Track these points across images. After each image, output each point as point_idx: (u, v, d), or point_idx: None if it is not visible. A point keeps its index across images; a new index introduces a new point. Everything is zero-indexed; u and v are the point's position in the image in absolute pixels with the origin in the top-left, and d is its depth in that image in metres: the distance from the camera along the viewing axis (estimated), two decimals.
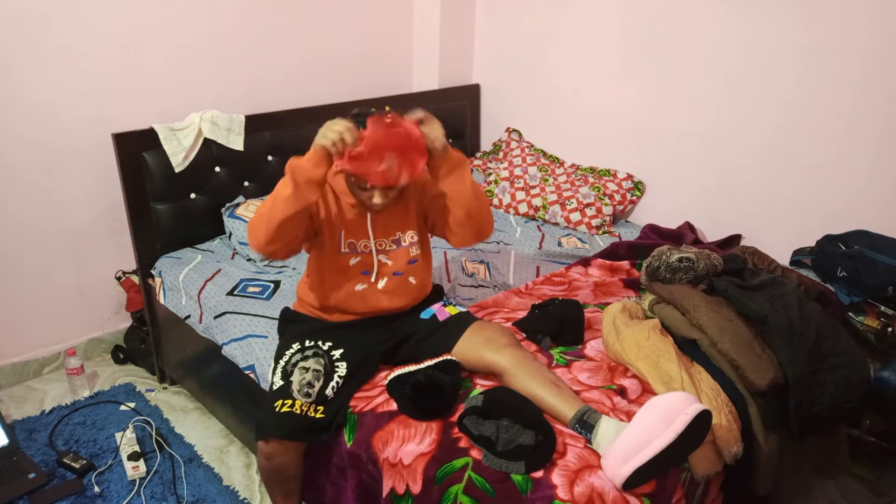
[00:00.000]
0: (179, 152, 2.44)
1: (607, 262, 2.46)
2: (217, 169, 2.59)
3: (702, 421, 1.42)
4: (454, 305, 1.93)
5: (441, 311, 1.88)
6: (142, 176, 2.39)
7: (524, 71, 3.26)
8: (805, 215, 2.50)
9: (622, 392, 1.68)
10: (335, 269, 1.78)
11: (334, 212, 1.75)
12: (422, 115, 1.59)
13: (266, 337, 2.01)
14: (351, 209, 1.76)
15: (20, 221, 2.46)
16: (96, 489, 2.08)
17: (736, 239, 2.62)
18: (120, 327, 2.84)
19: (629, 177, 2.96)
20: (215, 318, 2.16)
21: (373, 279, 1.78)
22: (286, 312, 1.94)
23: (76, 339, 2.75)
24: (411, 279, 1.85)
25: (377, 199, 1.63)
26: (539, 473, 1.43)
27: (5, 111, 2.31)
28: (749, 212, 2.64)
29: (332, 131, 1.50)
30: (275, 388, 1.70)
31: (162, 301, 2.44)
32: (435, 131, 1.59)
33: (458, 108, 3.41)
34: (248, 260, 2.47)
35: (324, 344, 1.76)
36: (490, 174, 3.21)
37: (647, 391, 1.69)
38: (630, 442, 1.39)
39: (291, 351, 1.75)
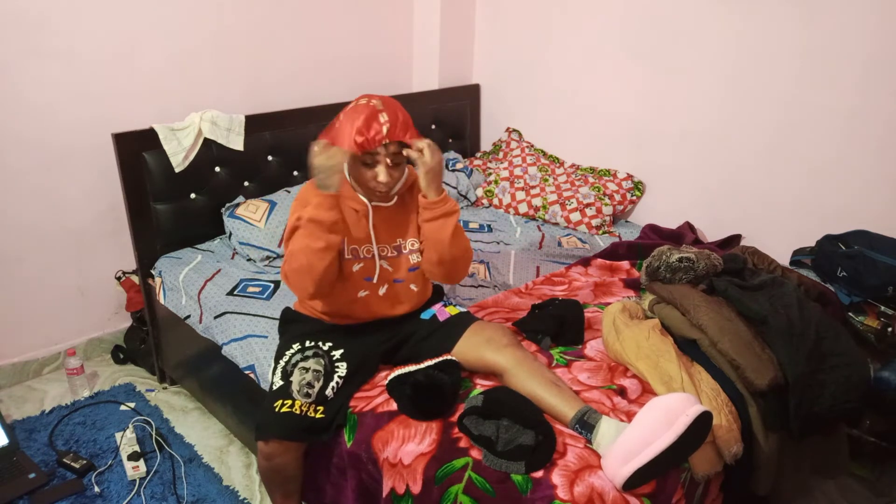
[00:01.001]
0: (179, 152, 2.44)
1: (607, 262, 2.46)
2: (217, 169, 2.59)
3: (702, 422, 1.42)
4: (454, 305, 1.92)
5: (441, 311, 1.88)
6: (142, 176, 2.39)
7: (524, 71, 3.26)
8: (805, 215, 2.50)
9: (622, 392, 1.68)
10: (339, 275, 1.77)
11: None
12: (428, 143, 1.63)
13: (266, 337, 2.01)
14: (353, 213, 1.75)
15: (20, 221, 2.46)
16: (96, 489, 2.08)
17: (736, 239, 2.62)
18: (120, 327, 2.84)
19: (629, 177, 2.96)
20: (215, 318, 2.16)
21: (374, 281, 1.78)
22: (287, 312, 1.94)
23: (76, 339, 2.74)
24: (412, 286, 1.85)
25: (383, 177, 1.63)
26: (539, 473, 1.43)
27: (5, 111, 2.31)
28: (749, 212, 2.64)
29: (321, 168, 1.56)
30: (275, 388, 1.70)
31: (162, 301, 2.44)
32: (437, 159, 1.63)
33: (458, 108, 3.41)
34: (248, 260, 2.47)
35: (324, 344, 1.76)
36: (490, 174, 3.21)
37: (647, 391, 1.69)
38: (631, 443, 1.39)
39: (291, 351, 1.75)
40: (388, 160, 1.63)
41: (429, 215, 1.68)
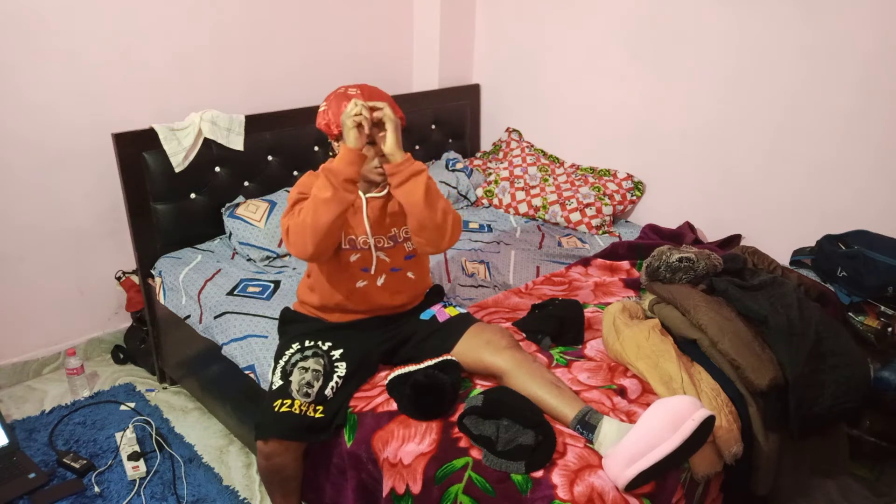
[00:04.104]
0: (179, 152, 2.44)
1: (607, 262, 2.46)
2: (217, 169, 2.59)
3: (706, 425, 1.42)
4: (454, 307, 1.93)
5: (441, 312, 1.88)
6: (142, 176, 2.39)
7: (524, 71, 3.26)
8: (805, 215, 2.50)
9: (622, 392, 1.68)
10: (338, 265, 1.79)
11: None
12: (383, 109, 1.60)
13: (266, 337, 2.01)
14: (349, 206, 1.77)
15: (20, 221, 2.46)
16: (96, 489, 2.08)
17: (736, 239, 2.62)
18: (120, 327, 2.84)
19: (629, 177, 2.96)
20: (215, 318, 2.16)
21: (372, 272, 1.79)
22: (286, 313, 1.95)
23: (76, 339, 2.75)
24: (410, 274, 1.86)
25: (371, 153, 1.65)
26: (539, 473, 1.43)
27: (5, 111, 2.31)
28: (749, 212, 2.64)
29: (350, 118, 1.56)
30: (274, 387, 1.70)
31: (162, 301, 2.44)
32: (397, 115, 1.64)
33: (458, 108, 3.41)
34: (248, 260, 2.47)
35: (323, 344, 1.76)
36: (490, 174, 3.21)
37: (647, 391, 1.69)
38: (635, 445, 1.38)
39: (291, 351, 1.75)
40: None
41: (398, 179, 1.62)
